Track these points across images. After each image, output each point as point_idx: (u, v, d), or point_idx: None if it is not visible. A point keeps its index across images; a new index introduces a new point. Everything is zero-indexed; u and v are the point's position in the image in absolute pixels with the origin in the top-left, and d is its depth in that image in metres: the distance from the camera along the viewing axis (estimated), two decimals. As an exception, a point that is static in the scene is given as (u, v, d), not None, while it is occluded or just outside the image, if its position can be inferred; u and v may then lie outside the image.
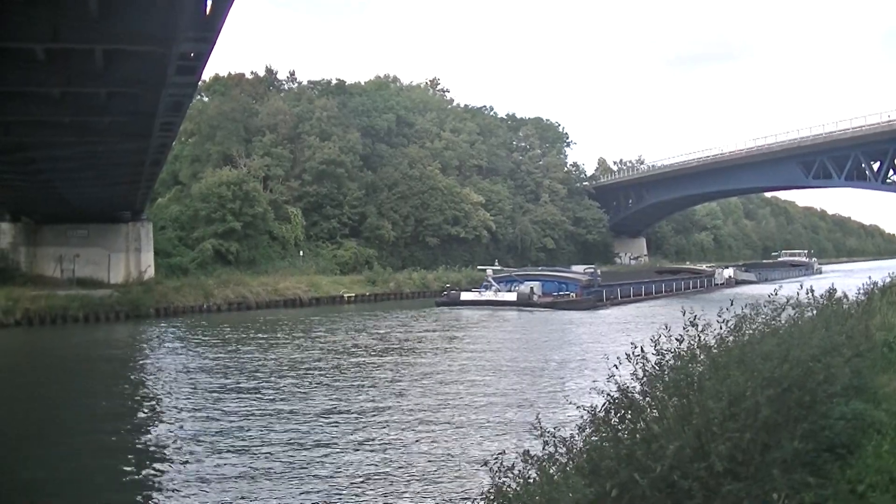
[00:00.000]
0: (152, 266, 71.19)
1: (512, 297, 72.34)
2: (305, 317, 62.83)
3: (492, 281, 75.38)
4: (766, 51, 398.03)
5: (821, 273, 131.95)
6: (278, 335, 50.75)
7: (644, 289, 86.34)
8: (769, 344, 10.80)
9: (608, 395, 9.35)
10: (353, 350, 43.37)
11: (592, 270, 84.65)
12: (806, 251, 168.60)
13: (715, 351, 10.53)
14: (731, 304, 13.39)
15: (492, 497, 8.82)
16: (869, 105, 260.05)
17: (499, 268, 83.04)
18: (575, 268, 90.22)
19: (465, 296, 74.44)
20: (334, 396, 29.70)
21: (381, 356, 41.01)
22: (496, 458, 9.00)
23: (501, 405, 27.43)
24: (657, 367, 9.70)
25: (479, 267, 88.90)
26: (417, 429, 23.88)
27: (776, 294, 14.26)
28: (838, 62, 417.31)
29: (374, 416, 26.06)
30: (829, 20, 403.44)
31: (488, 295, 73.20)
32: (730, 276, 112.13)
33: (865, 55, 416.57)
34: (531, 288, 74.16)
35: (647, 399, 9.29)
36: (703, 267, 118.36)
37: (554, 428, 9.28)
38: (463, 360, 39.48)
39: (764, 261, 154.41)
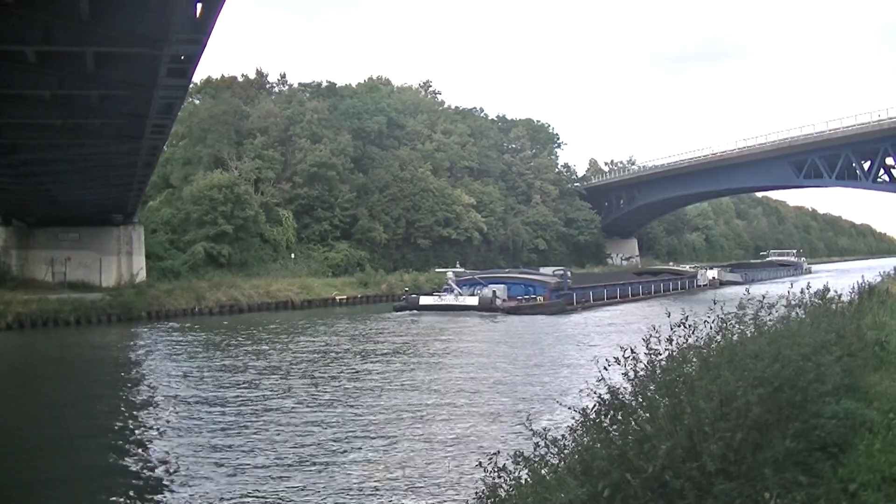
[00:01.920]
0: (144, 269, 71.11)
1: (473, 301, 68.26)
2: (295, 319, 62.66)
3: (452, 284, 71.74)
4: (757, 50, 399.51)
5: (810, 273, 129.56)
6: (265, 338, 50.77)
7: (619, 291, 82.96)
8: (759, 343, 10.84)
9: (599, 396, 9.34)
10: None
11: (562, 272, 79.54)
12: (795, 251, 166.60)
13: (705, 351, 10.55)
14: (714, 304, 13.30)
15: (484, 498, 8.84)
16: (862, 104, 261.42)
17: (460, 270, 79.67)
18: (543, 270, 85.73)
19: (424, 300, 70.19)
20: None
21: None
22: (489, 460, 9.00)
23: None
24: (648, 368, 9.72)
25: (437, 269, 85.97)
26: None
27: (747, 293, 14.07)
28: (831, 61, 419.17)
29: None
30: (822, 19, 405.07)
31: (448, 299, 69.44)
32: (713, 277, 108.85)
33: (859, 54, 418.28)
34: (493, 292, 69.61)
35: (639, 399, 9.30)
36: (686, 268, 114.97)
37: (545, 429, 9.29)
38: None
39: (752, 261, 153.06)
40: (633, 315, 63.30)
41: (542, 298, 70.63)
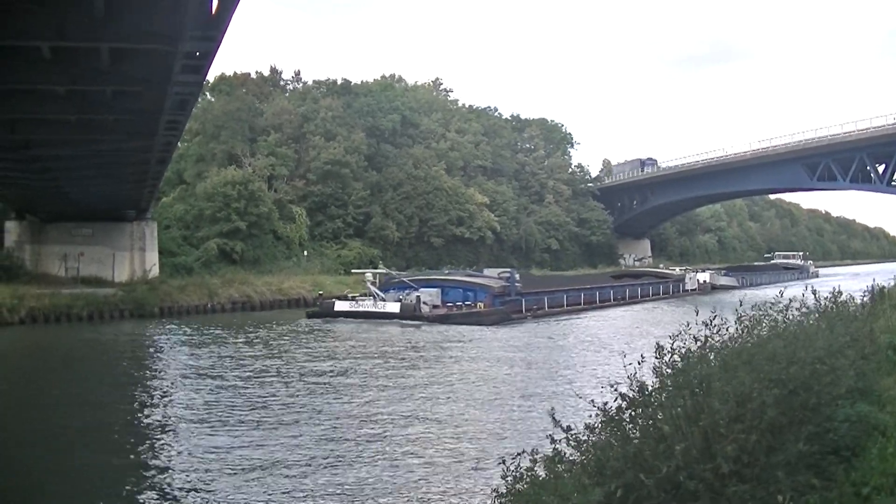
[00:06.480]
0: (157, 265, 71.42)
1: (395, 308, 59.68)
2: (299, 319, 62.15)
3: (371, 288, 62.63)
4: (771, 52, 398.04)
5: (817, 277, 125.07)
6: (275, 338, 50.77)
7: (584, 297, 73.35)
8: (775, 345, 10.79)
9: (621, 393, 9.30)
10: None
11: (509, 275, 68.26)
12: (801, 253, 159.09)
13: (725, 352, 10.52)
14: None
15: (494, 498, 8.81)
16: (874, 106, 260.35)
17: (383, 270, 72.01)
18: (487, 271, 76.09)
19: (339, 306, 62.01)
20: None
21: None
22: (503, 462, 8.95)
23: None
24: (670, 368, 9.68)
25: (354, 270, 76.45)
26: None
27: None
28: (843, 63, 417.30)
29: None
30: (833, 21, 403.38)
31: (367, 305, 60.91)
32: (704, 281, 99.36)
33: (870, 56, 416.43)
34: (417, 297, 60.56)
35: (661, 398, 9.26)
36: (675, 270, 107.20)
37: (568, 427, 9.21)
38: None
39: (753, 263, 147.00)
40: (589, 326, 57.48)
41: (482, 305, 61.86)
